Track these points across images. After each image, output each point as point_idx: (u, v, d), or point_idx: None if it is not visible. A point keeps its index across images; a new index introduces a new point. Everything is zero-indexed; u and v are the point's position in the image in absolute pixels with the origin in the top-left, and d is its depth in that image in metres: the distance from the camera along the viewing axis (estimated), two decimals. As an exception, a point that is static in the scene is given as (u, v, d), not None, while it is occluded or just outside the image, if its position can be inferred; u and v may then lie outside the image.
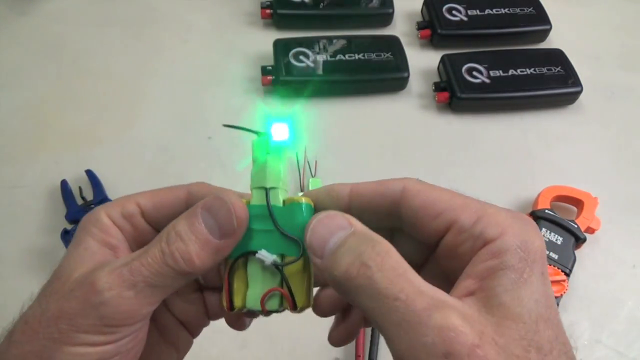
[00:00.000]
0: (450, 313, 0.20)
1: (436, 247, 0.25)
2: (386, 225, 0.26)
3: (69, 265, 0.24)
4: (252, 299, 0.26)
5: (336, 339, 0.30)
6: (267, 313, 0.26)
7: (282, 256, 0.26)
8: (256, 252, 0.25)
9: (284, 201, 0.26)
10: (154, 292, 0.23)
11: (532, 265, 0.21)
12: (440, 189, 0.25)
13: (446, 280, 0.24)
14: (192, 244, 0.23)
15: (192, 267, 0.23)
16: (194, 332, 0.31)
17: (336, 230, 0.23)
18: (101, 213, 0.26)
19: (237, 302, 0.26)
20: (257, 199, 0.26)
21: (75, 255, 0.25)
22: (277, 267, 0.25)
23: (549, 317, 0.21)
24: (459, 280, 0.22)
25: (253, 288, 0.26)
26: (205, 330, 0.32)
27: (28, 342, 0.23)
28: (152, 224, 0.27)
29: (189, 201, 0.27)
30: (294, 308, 0.26)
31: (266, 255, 0.25)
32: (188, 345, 0.31)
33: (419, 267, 0.28)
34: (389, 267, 0.21)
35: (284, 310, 0.26)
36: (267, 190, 0.25)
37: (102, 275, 0.23)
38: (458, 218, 0.23)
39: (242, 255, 0.26)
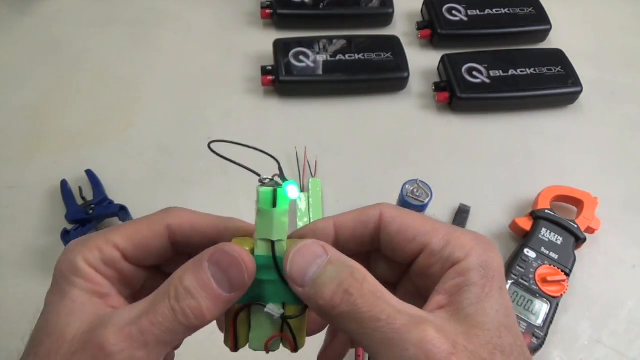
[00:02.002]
0: (426, 327, 0.22)
1: (409, 266, 0.28)
2: (367, 249, 0.29)
3: (58, 320, 0.24)
4: (256, 341, 0.27)
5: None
6: (269, 352, 0.28)
7: (284, 304, 0.27)
8: (264, 305, 0.26)
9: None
10: (164, 347, 0.23)
11: (492, 281, 0.24)
12: (413, 215, 0.28)
13: (418, 296, 0.27)
14: (204, 299, 0.23)
15: (204, 321, 0.24)
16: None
17: (313, 259, 0.25)
18: (78, 260, 0.25)
19: (241, 343, 0.28)
20: (262, 249, 0.26)
21: (62, 308, 0.24)
22: (284, 320, 0.27)
23: (508, 325, 0.24)
24: (432, 296, 0.25)
25: (256, 331, 0.27)
26: (205, 330, 0.32)
27: None
28: (135, 263, 0.27)
29: (171, 237, 0.27)
30: (295, 350, 0.27)
31: (275, 311, 0.26)
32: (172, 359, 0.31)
33: (395, 285, 0.30)
34: (369, 292, 0.23)
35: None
36: (273, 244, 0.26)
37: (109, 335, 0.22)
38: (429, 242, 0.26)
39: (248, 305, 0.27)
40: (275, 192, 0.25)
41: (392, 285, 0.30)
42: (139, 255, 0.27)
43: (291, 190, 0.26)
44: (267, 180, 0.26)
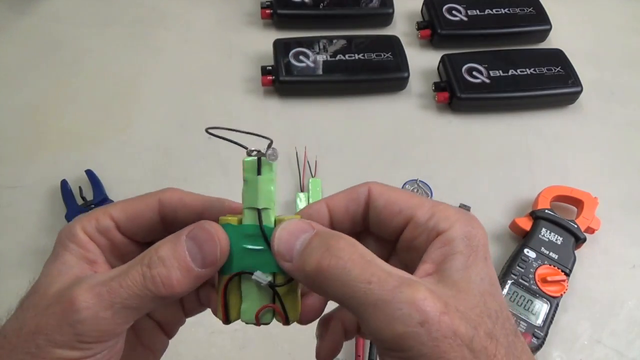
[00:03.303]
0: (418, 287, 0.22)
1: (396, 242, 0.28)
2: (360, 228, 0.29)
3: (46, 280, 0.25)
4: (247, 313, 0.27)
5: (323, 355, 0.31)
6: (260, 324, 0.28)
7: (274, 274, 0.27)
8: (252, 273, 0.27)
9: (275, 220, 0.27)
10: (130, 313, 0.24)
11: (476, 250, 0.25)
12: (399, 191, 0.28)
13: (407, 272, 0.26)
14: (175, 270, 0.24)
15: (172, 292, 0.24)
16: (171, 332, 0.32)
17: (300, 234, 0.25)
18: (77, 227, 0.27)
19: (233, 315, 0.28)
20: (250, 219, 0.27)
21: (52, 269, 0.26)
22: (272, 288, 0.27)
23: (493, 292, 0.24)
24: (419, 265, 0.25)
25: (247, 303, 0.27)
26: (205, 330, 0.32)
27: (7, 356, 0.23)
28: (127, 235, 0.28)
29: (161, 211, 0.28)
30: (286, 323, 0.28)
31: (262, 277, 0.26)
32: (164, 347, 0.32)
33: None
34: (359, 255, 0.24)
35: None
36: (259, 212, 0.26)
37: (80, 292, 0.23)
38: (415, 214, 0.27)
39: (237, 274, 0.27)
40: (259, 160, 0.26)
41: None
42: (131, 227, 0.28)
43: (271, 154, 0.26)
44: (253, 152, 0.27)
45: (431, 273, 0.25)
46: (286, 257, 0.25)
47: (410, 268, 0.26)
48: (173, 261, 0.24)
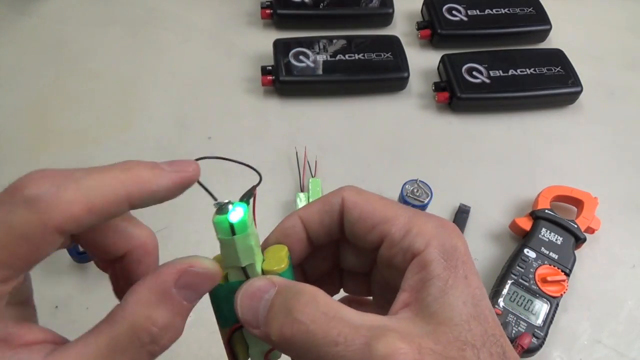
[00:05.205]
0: (388, 338, 0.20)
1: (377, 253, 0.26)
2: (337, 237, 0.28)
3: None
4: (256, 356, 0.27)
5: None
6: None
7: None
8: None
9: (263, 271, 0.26)
10: None
11: (455, 271, 0.23)
12: (375, 199, 0.26)
13: (389, 287, 0.25)
14: (180, 325, 0.23)
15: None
16: None
17: (262, 295, 0.23)
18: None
19: (242, 359, 0.28)
20: (235, 276, 0.25)
21: None
22: None
23: (478, 314, 0.22)
24: (398, 293, 0.24)
25: (253, 347, 0.27)
26: (205, 330, 0.32)
27: None
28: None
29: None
30: None
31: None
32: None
33: (366, 275, 0.29)
34: (321, 314, 0.21)
35: None
36: (244, 269, 0.25)
37: None
38: (389, 231, 0.25)
39: (239, 327, 0.26)
40: (231, 224, 0.24)
41: (364, 275, 0.29)
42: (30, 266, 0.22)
43: (234, 214, 0.24)
44: (223, 204, 0.25)
45: (409, 303, 0.23)
46: (253, 324, 0.23)
47: (392, 285, 0.25)
48: (179, 320, 0.22)
